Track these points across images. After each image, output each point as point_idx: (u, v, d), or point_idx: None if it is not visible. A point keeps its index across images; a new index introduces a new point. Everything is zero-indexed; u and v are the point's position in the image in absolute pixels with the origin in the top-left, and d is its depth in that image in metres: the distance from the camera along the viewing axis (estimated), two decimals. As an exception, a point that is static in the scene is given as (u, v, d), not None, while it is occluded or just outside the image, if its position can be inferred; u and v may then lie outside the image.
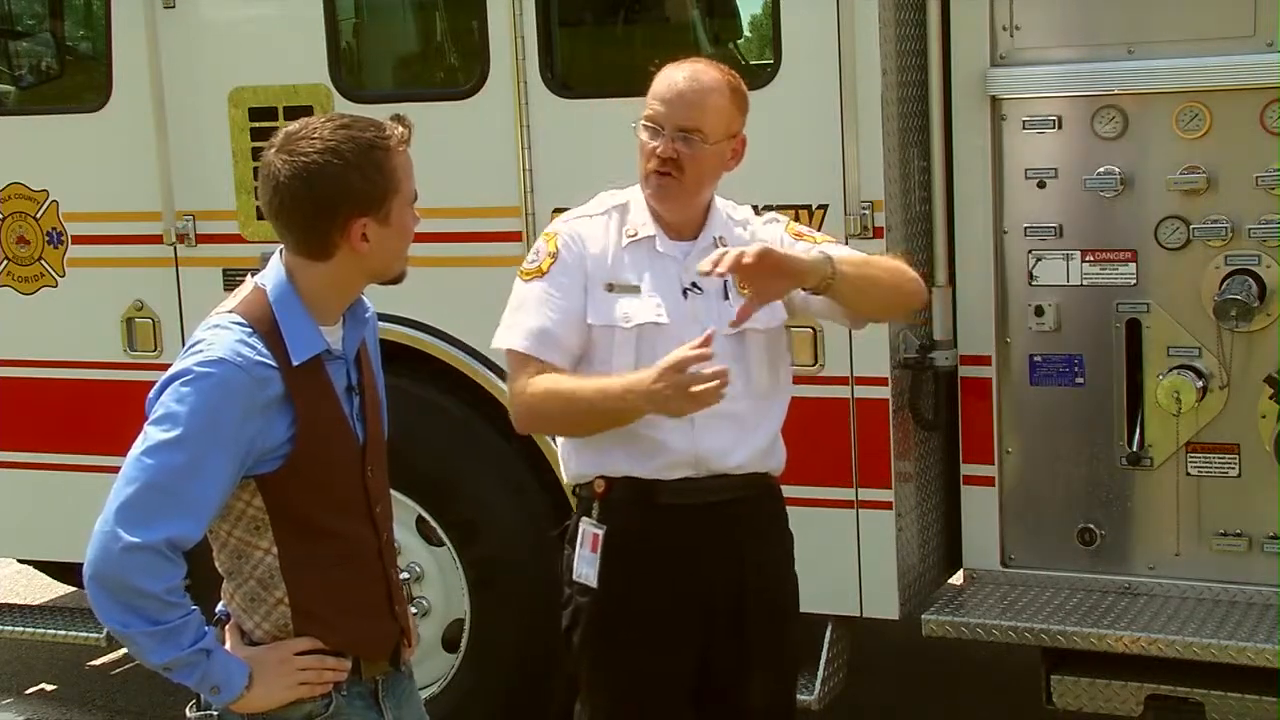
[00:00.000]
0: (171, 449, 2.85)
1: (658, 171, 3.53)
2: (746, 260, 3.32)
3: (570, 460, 3.69)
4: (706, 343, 3.27)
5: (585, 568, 3.62)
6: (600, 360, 3.56)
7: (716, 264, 3.34)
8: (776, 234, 3.72)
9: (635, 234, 3.60)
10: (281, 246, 3.07)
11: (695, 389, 3.25)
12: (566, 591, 3.70)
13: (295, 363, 2.96)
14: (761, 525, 3.70)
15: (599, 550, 3.59)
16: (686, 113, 3.51)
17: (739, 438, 3.59)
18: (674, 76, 3.56)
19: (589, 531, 3.61)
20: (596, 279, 3.57)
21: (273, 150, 2.97)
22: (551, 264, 3.58)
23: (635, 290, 3.56)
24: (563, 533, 3.75)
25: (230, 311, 2.99)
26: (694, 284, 3.58)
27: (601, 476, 3.60)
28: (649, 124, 3.54)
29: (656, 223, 3.60)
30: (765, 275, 3.39)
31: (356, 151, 2.93)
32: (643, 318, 3.54)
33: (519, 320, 3.58)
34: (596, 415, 3.47)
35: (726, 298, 3.58)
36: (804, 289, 3.52)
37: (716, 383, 3.25)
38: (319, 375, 3.01)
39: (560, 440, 3.74)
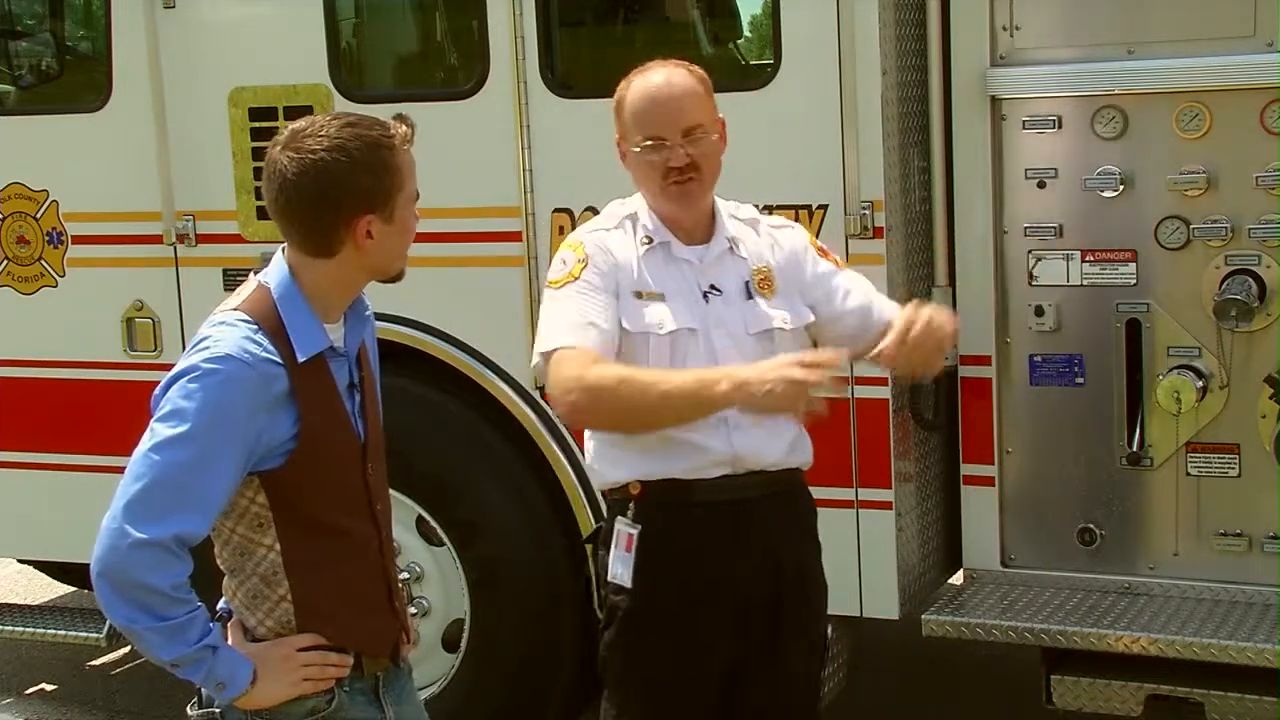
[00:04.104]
0: (178, 445, 2.86)
1: (678, 181, 3.52)
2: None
3: (603, 467, 3.64)
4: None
5: (620, 568, 3.59)
6: (635, 365, 3.50)
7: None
8: (801, 243, 3.71)
9: (651, 240, 3.58)
10: (284, 245, 3.07)
11: (816, 395, 3.20)
12: (601, 593, 3.68)
13: (300, 359, 2.97)
14: (794, 520, 3.70)
15: (633, 550, 3.57)
16: (684, 114, 3.51)
17: (771, 434, 3.57)
18: (651, 86, 3.54)
19: (623, 532, 3.58)
20: (626, 287, 3.54)
21: (278, 147, 2.98)
22: (583, 269, 3.53)
23: (661, 297, 3.54)
24: (594, 536, 3.74)
25: (235, 309, 3.00)
26: (713, 286, 3.58)
27: (638, 480, 3.57)
28: (652, 143, 3.52)
29: (668, 229, 3.59)
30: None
31: (363, 149, 2.94)
32: (676, 324, 3.51)
33: (560, 320, 3.49)
34: (669, 407, 3.36)
35: (750, 298, 3.58)
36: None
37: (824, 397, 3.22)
38: (323, 372, 3.02)
39: (591, 448, 3.68)
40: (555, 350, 3.47)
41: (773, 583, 3.62)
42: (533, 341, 5.04)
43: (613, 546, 3.60)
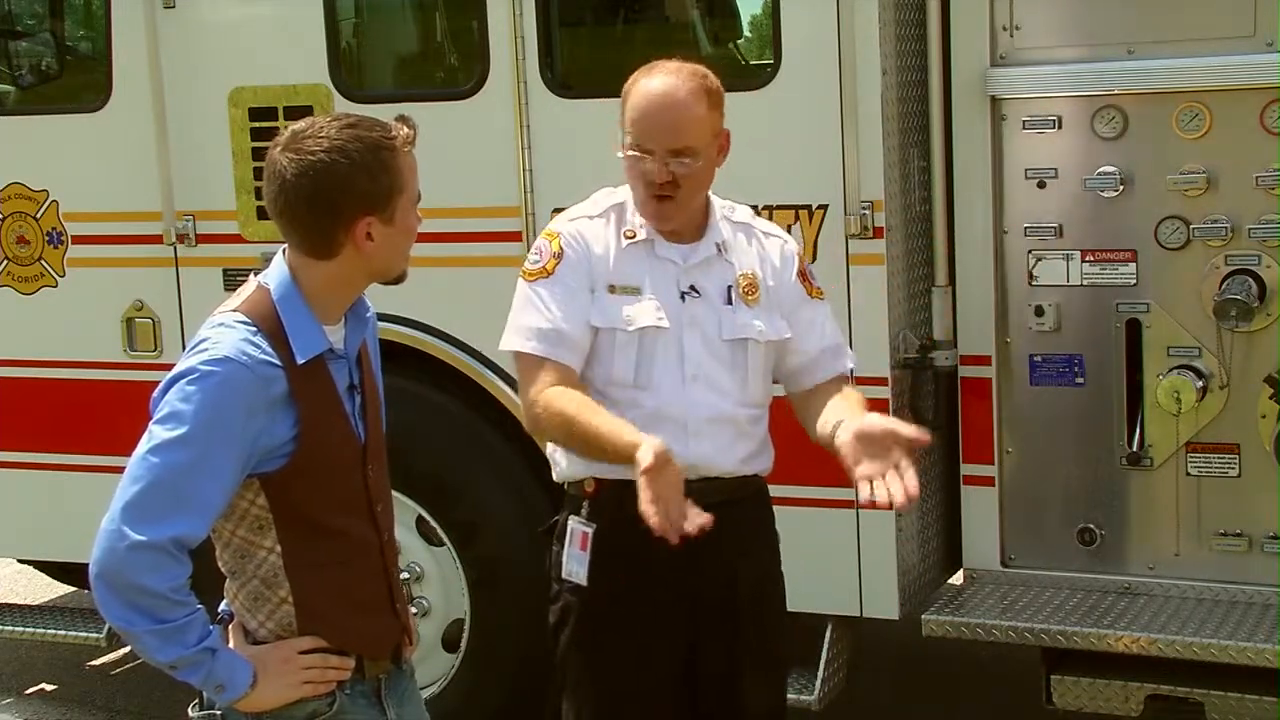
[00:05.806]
0: (177, 447, 2.85)
1: (656, 196, 3.49)
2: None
3: (561, 460, 3.66)
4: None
5: (575, 566, 3.59)
6: (601, 361, 3.53)
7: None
8: (791, 261, 3.67)
9: (635, 235, 3.56)
10: (284, 246, 3.07)
11: (674, 513, 3.13)
12: (554, 588, 3.68)
13: (299, 361, 2.96)
14: (751, 527, 3.68)
15: (588, 549, 3.57)
16: (674, 135, 3.44)
17: (732, 443, 3.57)
18: (650, 95, 3.47)
19: (578, 530, 3.59)
20: (600, 280, 3.53)
21: (278, 149, 2.97)
22: (557, 264, 3.53)
23: (636, 292, 3.52)
24: (550, 529, 3.73)
25: (234, 310, 2.99)
26: (692, 287, 3.55)
27: (593, 477, 3.57)
28: (636, 151, 3.48)
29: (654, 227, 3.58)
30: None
31: (363, 151, 2.94)
32: (645, 321, 3.50)
33: (525, 321, 3.52)
34: (589, 448, 3.42)
35: (729, 303, 3.56)
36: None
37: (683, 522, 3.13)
38: (322, 374, 3.02)
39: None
40: (521, 353, 3.52)
41: (729, 591, 3.60)
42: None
43: (566, 544, 3.61)
